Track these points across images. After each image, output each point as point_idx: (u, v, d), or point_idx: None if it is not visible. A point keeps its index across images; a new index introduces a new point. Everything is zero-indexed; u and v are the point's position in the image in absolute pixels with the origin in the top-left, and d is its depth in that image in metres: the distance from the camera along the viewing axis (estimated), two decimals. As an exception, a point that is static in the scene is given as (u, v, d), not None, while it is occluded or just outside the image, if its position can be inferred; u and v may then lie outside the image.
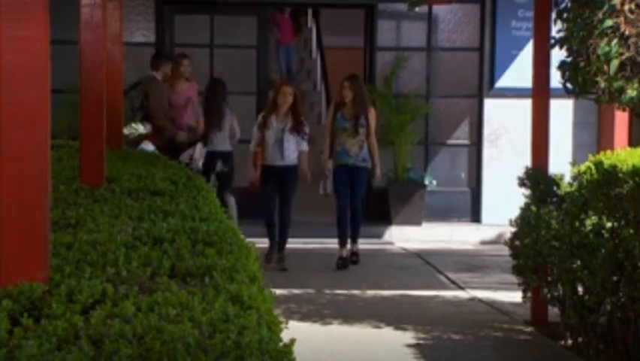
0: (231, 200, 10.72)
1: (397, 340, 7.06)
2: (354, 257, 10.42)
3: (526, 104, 8.33)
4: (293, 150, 10.05)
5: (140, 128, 10.46)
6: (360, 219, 10.47)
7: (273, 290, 3.55)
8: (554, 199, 7.30)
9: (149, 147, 10.40)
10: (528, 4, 9.06)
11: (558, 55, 6.30)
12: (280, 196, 10.12)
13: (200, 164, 10.67)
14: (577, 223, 6.54)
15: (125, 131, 10.20)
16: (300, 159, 10.12)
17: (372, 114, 10.35)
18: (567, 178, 7.41)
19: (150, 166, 6.50)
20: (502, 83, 12.79)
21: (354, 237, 10.46)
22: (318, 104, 18.06)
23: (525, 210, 7.32)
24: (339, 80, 14.92)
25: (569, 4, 6.04)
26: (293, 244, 10.47)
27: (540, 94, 7.75)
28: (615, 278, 6.17)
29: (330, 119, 10.43)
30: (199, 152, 10.73)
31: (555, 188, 7.37)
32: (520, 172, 7.68)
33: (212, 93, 10.86)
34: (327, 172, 10.28)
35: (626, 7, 5.56)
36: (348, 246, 10.39)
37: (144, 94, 10.71)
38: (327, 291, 8.89)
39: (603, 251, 6.20)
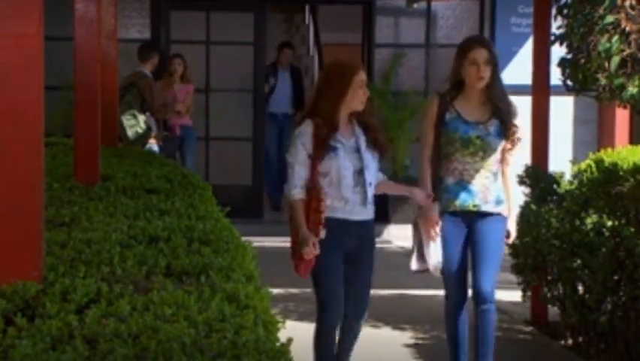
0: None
1: (396, 339, 7.04)
2: None
3: (526, 101, 8.28)
4: (374, 185, 5.26)
5: (142, 119, 10.45)
6: (493, 330, 5.66)
7: (270, 289, 3.53)
8: (554, 197, 7.26)
9: (154, 147, 10.45)
10: (528, 0, 9.01)
11: (558, 52, 6.28)
12: (350, 278, 5.34)
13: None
14: (577, 222, 6.50)
15: (127, 125, 10.24)
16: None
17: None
18: (567, 176, 7.38)
19: (146, 164, 6.49)
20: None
21: None
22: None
23: (525, 208, 7.28)
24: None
25: (569, 0, 6.02)
26: (288, 242, 10.35)
27: (540, 91, 7.72)
28: (616, 277, 6.14)
29: (433, 122, 5.47)
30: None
31: (555, 186, 7.34)
32: (520, 170, 7.64)
33: None
34: (430, 229, 5.45)
35: (627, 4, 5.55)
36: None
37: (141, 97, 10.68)
38: (325, 289, 8.84)
39: (604, 250, 6.16)
